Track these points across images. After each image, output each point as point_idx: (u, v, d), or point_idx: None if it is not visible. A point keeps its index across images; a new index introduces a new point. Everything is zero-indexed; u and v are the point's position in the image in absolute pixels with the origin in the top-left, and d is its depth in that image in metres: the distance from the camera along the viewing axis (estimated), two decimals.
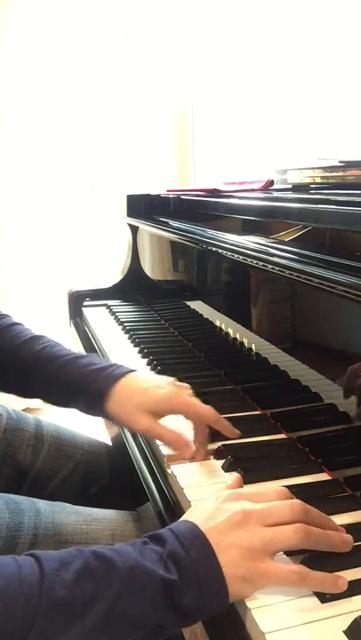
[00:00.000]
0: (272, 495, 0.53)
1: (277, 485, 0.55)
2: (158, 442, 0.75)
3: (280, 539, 0.48)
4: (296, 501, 0.51)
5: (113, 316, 1.40)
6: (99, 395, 0.72)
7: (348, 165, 1.10)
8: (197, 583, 0.46)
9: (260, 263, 0.76)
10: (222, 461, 0.69)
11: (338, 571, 0.48)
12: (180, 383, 0.75)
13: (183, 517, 0.53)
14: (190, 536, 0.48)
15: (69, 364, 0.76)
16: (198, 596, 0.46)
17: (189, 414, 0.71)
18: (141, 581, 0.45)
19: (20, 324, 0.88)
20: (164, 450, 0.73)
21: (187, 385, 0.75)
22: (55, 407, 0.83)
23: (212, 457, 0.71)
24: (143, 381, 0.73)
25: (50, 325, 2.01)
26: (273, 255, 0.74)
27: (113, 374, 0.73)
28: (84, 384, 0.74)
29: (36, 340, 0.82)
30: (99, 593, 0.44)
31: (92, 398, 0.73)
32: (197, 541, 0.48)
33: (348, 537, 0.50)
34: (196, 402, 0.71)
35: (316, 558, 0.49)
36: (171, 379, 0.75)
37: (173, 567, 0.46)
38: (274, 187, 1.19)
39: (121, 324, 1.32)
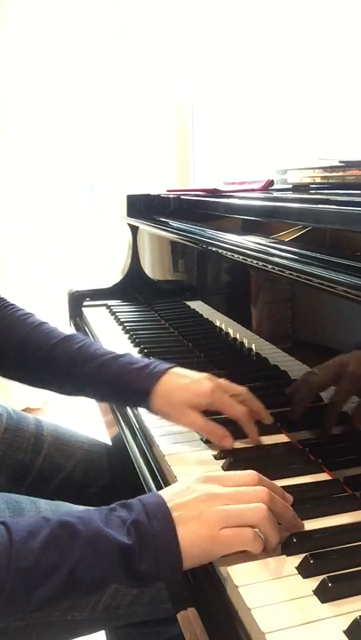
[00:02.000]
0: (242, 479, 0.57)
1: (259, 475, 0.57)
2: (158, 442, 0.75)
3: (236, 516, 0.52)
4: (262, 488, 0.55)
5: (113, 316, 1.40)
6: (143, 392, 0.75)
7: (348, 165, 1.10)
8: (155, 552, 0.51)
9: (260, 263, 0.76)
10: (222, 461, 0.69)
11: (339, 571, 0.49)
12: (216, 378, 0.77)
13: (157, 492, 0.57)
14: (156, 508, 0.53)
15: (110, 363, 0.79)
16: (154, 564, 0.51)
17: (226, 412, 0.74)
18: (101, 548, 0.50)
19: (48, 323, 0.90)
20: (164, 450, 0.73)
21: (223, 380, 0.77)
22: (55, 407, 0.83)
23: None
24: (183, 377, 0.76)
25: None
26: (273, 255, 0.74)
27: (154, 372, 0.76)
28: (126, 382, 0.77)
29: (71, 339, 0.85)
30: (62, 559, 0.49)
31: (136, 396, 0.77)
32: (161, 514, 0.53)
33: (301, 522, 0.55)
34: (232, 402, 0.74)
35: (319, 557, 0.50)
36: (207, 374, 0.77)
37: (135, 534, 0.51)
38: (274, 187, 1.19)
39: (121, 323, 1.32)
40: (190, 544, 0.51)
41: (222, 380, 0.77)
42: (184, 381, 0.75)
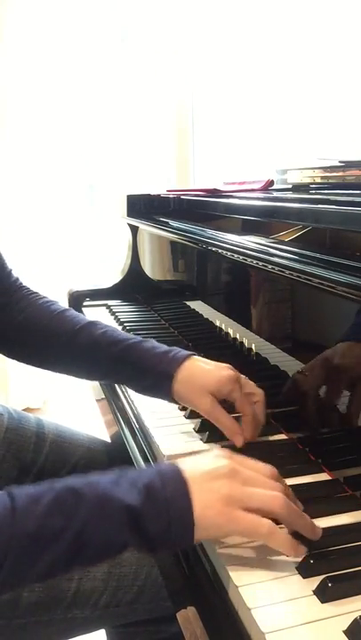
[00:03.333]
0: (262, 469, 0.55)
1: (276, 472, 0.56)
2: (158, 441, 0.75)
3: (257, 498, 0.51)
4: (279, 483, 0.54)
5: (113, 316, 1.40)
6: (166, 376, 0.76)
7: (348, 165, 1.10)
8: (167, 516, 0.50)
9: (260, 263, 0.76)
10: None
11: (339, 571, 0.49)
12: (236, 372, 0.77)
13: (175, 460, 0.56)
14: (171, 474, 0.52)
15: (134, 347, 0.81)
16: (165, 529, 0.49)
17: (237, 404, 0.74)
18: (108, 510, 0.49)
19: (72, 310, 0.91)
20: (164, 450, 0.73)
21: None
22: (55, 407, 0.84)
23: None
24: (205, 363, 0.76)
25: None
26: (273, 255, 0.74)
27: (177, 356, 0.77)
28: (150, 366, 0.78)
29: (95, 325, 0.86)
30: (67, 523, 0.48)
31: (160, 379, 0.77)
32: (176, 480, 0.52)
33: (319, 528, 0.53)
34: (246, 399, 0.74)
35: (319, 557, 0.50)
36: (228, 365, 0.76)
37: (145, 496, 0.50)
38: (274, 187, 1.19)
39: (121, 324, 1.32)
40: (204, 515, 0.50)
41: (244, 377, 0.76)
42: (206, 367, 0.75)
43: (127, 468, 0.55)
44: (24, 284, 0.97)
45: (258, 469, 0.55)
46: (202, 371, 0.75)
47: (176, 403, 0.79)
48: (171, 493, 0.50)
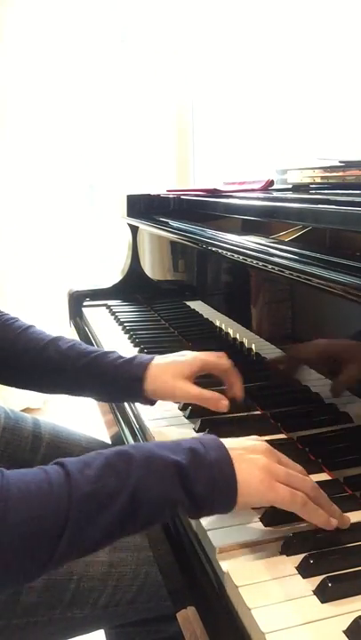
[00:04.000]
0: (296, 467, 0.58)
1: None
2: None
3: (292, 478, 0.54)
4: (307, 476, 0.57)
5: (113, 316, 1.40)
6: (135, 379, 0.79)
7: (348, 165, 1.10)
8: (212, 479, 0.52)
9: (260, 263, 0.76)
10: None
11: (339, 571, 0.49)
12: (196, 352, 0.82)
13: None
14: (212, 443, 0.55)
15: (101, 358, 0.83)
16: (210, 489, 0.52)
17: (214, 369, 0.81)
18: (158, 467, 0.52)
19: (34, 326, 0.92)
20: None
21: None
22: (55, 407, 0.84)
23: None
24: (166, 357, 0.81)
25: (50, 325, 2.01)
26: (273, 255, 0.74)
27: (142, 360, 0.81)
28: (118, 373, 0.81)
29: (61, 339, 0.88)
30: (121, 483, 0.50)
31: (129, 383, 0.80)
32: (217, 447, 0.54)
33: (347, 516, 0.56)
34: (217, 358, 0.81)
35: (319, 557, 0.50)
36: (187, 351, 0.83)
37: (191, 458, 0.52)
38: (274, 187, 1.19)
39: (121, 324, 1.32)
40: (247, 481, 0.53)
41: (204, 352, 0.82)
42: (169, 359, 0.80)
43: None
44: None
45: (291, 466, 0.58)
46: (167, 362, 0.79)
47: (151, 404, 0.82)
48: (215, 458, 0.53)
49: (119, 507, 0.49)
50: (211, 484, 0.52)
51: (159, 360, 0.81)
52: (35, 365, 0.86)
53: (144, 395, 0.80)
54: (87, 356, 0.83)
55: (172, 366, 0.79)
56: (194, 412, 0.81)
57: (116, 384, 0.81)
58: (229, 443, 0.56)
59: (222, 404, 0.76)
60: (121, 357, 0.83)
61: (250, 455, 0.55)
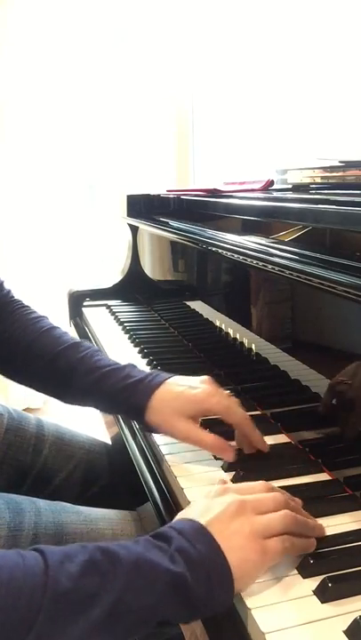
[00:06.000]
0: (257, 488, 0.55)
1: (270, 483, 0.56)
2: (158, 442, 0.75)
3: (273, 525, 0.51)
4: (278, 493, 0.54)
5: (113, 316, 1.40)
6: (137, 408, 0.73)
7: (348, 165, 1.10)
8: (207, 577, 0.46)
9: (260, 263, 0.76)
10: (222, 461, 0.69)
11: (339, 571, 0.49)
12: (214, 382, 0.73)
13: (177, 517, 0.53)
14: (193, 531, 0.49)
15: (108, 377, 0.77)
16: (207, 591, 0.46)
17: (225, 417, 0.70)
18: (148, 575, 0.45)
19: (59, 328, 0.89)
20: (165, 450, 0.73)
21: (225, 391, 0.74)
22: (56, 407, 0.84)
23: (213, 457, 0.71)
24: (178, 385, 0.72)
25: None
26: (273, 255, 0.74)
27: (150, 385, 0.73)
28: (121, 398, 0.75)
29: (76, 348, 0.83)
30: (104, 585, 0.44)
31: (131, 411, 0.75)
32: (201, 535, 0.49)
33: (321, 524, 0.54)
34: (232, 405, 0.70)
35: (319, 557, 0.50)
36: (206, 377, 0.73)
37: (182, 562, 0.46)
38: (274, 187, 1.19)
39: (121, 324, 1.32)
40: (241, 562, 0.48)
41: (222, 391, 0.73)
42: (178, 389, 0.71)
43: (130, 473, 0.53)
44: (15, 297, 0.94)
45: (254, 489, 0.55)
46: (174, 395, 0.71)
47: (155, 432, 0.75)
48: (203, 552, 0.47)
49: (99, 611, 0.43)
50: (208, 586, 0.46)
51: (168, 388, 0.72)
52: (46, 372, 0.84)
53: (146, 424, 0.73)
54: (95, 373, 0.78)
55: (177, 401, 0.70)
56: None
57: (120, 408, 0.77)
58: (205, 520, 0.50)
59: (227, 454, 0.68)
60: (130, 377, 0.75)
61: (231, 527, 0.49)
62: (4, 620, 0.41)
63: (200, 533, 0.49)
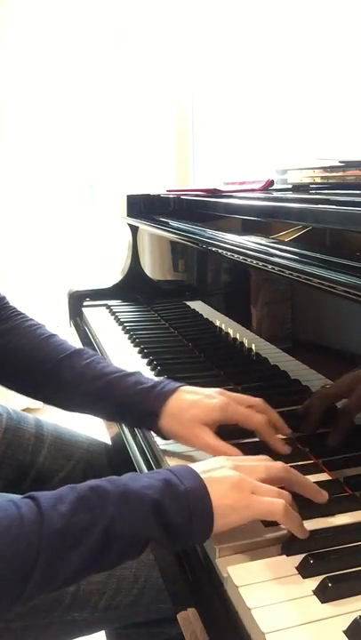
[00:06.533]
0: (256, 459, 0.60)
1: (270, 459, 0.61)
2: (158, 442, 0.75)
3: (267, 487, 0.55)
4: (274, 464, 0.59)
5: (113, 316, 1.40)
6: (151, 413, 0.72)
7: (348, 165, 1.10)
8: (187, 507, 0.51)
9: (260, 263, 0.76)
10: None
11: (339, 571, 0.49)
12: (228, 392, 0.73)
13: None
14: (184, 471, 0.55)
15: (118, 382, 0.76)
16: (187, 519, 0.51)
17: (244, 424, 0.70)
18: (134, 503, 0.51)
19: (57, 335, 0.88)
20: (164, 449, 0.73)
21: (236, 394, 0.74)
22: (55, 407, 0.83)
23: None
24: (193, 394, 0.72)
25: (50, 325, 2.01)
26: (273, 255, 0.74)
27: (162, 392, 0.73)
28: (133, 403, 0.74)
29: (79, 355, 0.82)
30: (94, 518, 0.49)
31: (144, 417, 0.74)
32: (190, 475, 0.54)
33: (324, 492, 0.58)
34: (249, 412, 0.70)
35: (319, 557, 0.50)
36: (218, 389, 0.73)
37: (166, 490, 0.52)
38: (274, 187, 1.19)
39: (121, 324, 1.32)
40: (222, 503, 0.52)
41: (236, 394, 0.73)
42: (193, 398, 0.71)
43: (130, 472, 0.57)
44: (10, 305, 0.93)
45: (252, 459, 0.60)
46: (189, 403, 0.71)
47: (166, 438, 0.74)
48: (188, 485, 0.52)
49: (92, 542, 0.49)
50: (186, 514, 0.51)
51: (183, 395, 0.72)
52: (49, 379, 0.82)
53: (158, 430, 0.73)
54: (102, 379, 0.77)
55: (193, 409, 0.70)
56: None
57: (131, 414, 0.75)
58: (200, 467, 0.56)
59: None
60: (140, 383, 0.75)
61: (220, 474, 0.54)
62: (6, 567, 0.46)
63: (190, 474, 0.54)
